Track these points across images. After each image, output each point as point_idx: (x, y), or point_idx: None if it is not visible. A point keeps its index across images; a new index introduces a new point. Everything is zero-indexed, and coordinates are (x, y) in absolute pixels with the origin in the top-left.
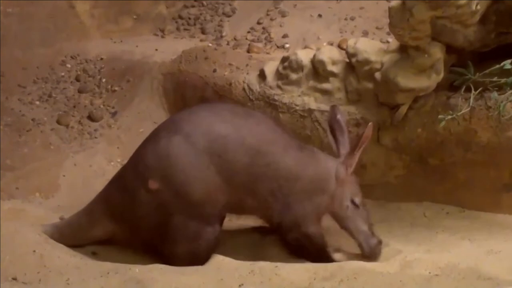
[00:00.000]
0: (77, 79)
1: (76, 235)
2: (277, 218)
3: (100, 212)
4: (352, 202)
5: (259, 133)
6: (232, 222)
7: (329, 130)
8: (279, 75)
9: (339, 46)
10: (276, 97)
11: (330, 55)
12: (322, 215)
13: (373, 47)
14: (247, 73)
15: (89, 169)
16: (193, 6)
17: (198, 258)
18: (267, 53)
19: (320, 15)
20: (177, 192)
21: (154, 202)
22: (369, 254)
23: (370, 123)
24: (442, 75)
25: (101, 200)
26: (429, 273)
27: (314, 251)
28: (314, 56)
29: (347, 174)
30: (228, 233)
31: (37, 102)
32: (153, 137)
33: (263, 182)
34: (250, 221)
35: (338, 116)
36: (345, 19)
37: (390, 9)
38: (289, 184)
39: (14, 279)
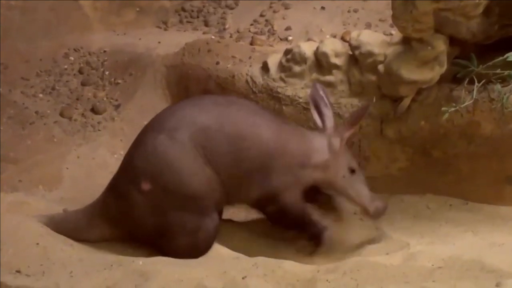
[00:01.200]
0: (80, 71)
1: (70, 232)
2: (257, 192)
3: (98, 217)
4: (350, 169)
5: (239, 119)
6: (235, 214)
7: (312, 105)
8: (282, 68)
9: (342, 39)
10: (279, 90)
11: (333, 47)
12: (303, 188)
13: (376, 40)
14: (250, 66)
15: (92, 161)
16: None
17: (198, 250)
18: (270, 46)
19: (323, 8)
20: (169, 189)
21: (149, 203)
22: (375, 214)
23: (367, 102)
24: (445, 67)
25: (99, 206)
26: (432, 265)
27: (294, 220)
28: (317, 48)
29: (341, 146)
30: (230, 226)
31: (40, 95)
32: (139, 139)
33: (246, 164)
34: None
35: (321, 92)
36: (348, 11)
37: (393, 1)
38: (270, 161)
39: (18, 271)
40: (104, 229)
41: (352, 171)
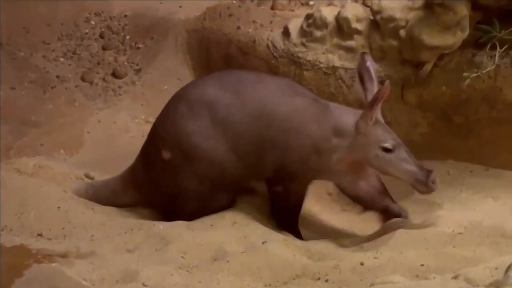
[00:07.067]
0: (101, 36)
1: (109, 197)
2: (271, 169)
3: (130, 183)
4: (382, 148)
5: (263, 97)
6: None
7: (358, 77)
8: (303, 33)
9: (364, 3)
10: (300, 55)
11: (354, 12)
12: (313, 178)
13: (398, 4)
14: (271, 30)
15: (113, 125)
16: None
17: (201, 215)
18: (291, 10)
19: None
20: (187, 160)
21: (170, 171)
22: (425, 191)
23: (387, 81)
24: (467, 32)
25: (131, 169)
26: (453, 231)
27: (286, 213)
28: (339, 13)
29: (367, 127)
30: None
31: (62, 59)
32: (164, 109)
33: (265, 143)
34: None
35: (368, 64)
36: None
37: None
38: (287, 141)
39: (39, 235)
40: (136, 195)
41: (386, 150)
